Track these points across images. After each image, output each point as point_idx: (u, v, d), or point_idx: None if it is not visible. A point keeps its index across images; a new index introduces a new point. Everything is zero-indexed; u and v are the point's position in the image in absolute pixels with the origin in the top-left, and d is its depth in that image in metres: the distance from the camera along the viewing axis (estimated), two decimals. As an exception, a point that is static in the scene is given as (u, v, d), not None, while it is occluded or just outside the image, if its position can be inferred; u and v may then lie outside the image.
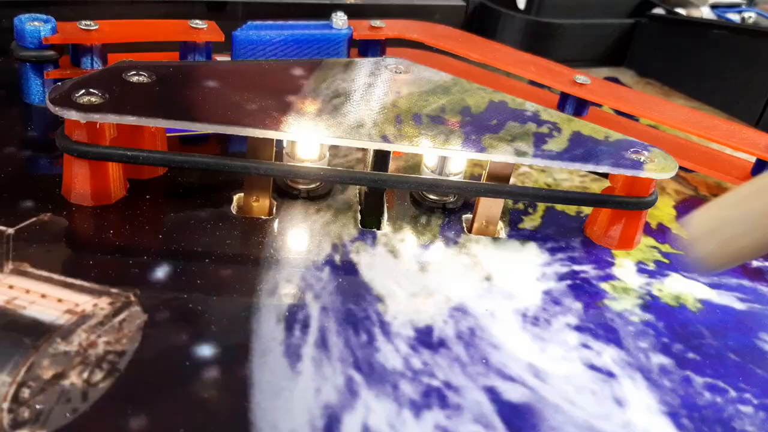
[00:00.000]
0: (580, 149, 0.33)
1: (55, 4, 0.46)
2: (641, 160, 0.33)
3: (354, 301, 0.29)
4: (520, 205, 0.38)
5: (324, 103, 0.33)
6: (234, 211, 0.33)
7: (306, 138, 0.32)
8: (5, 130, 0.37)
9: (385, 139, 0.32)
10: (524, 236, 0.35)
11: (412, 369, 0.26)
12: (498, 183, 0.34)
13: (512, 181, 0.35)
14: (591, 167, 0.33)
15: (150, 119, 0.30)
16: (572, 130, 0.35)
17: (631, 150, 0.34)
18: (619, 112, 0.47)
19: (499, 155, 0.32)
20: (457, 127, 0.33)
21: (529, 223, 0.36)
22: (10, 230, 0.29)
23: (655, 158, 0.34)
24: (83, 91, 0.30)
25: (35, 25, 0.38)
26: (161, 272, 0.29)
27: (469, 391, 0.25)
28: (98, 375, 0.23)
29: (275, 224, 0.33)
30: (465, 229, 0.35)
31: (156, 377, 0.24)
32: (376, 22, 0.47)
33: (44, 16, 0.39)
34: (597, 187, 0.41)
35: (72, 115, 0.29)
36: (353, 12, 0.50)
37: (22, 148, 0.36)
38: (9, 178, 0.33)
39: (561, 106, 0.46)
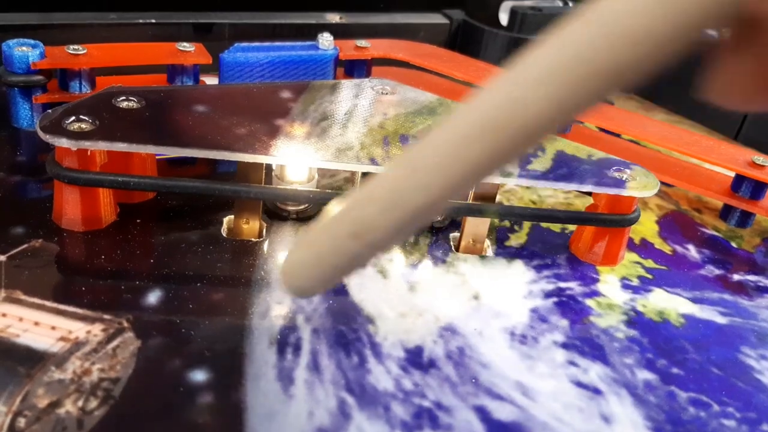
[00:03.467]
0: (564, 168, 0.34)
1: (43, 27, 0.46)
2: (623, 179, 0.34)
3: (345, 323, 0.29)
4: (507, 223, 0.38)
5: (312, 126, 0.34)
6: (224, 234, 0.34)
7: (295, 162, 0.32)
8: (-6, 155, 0.37)
9: (373, 161, 0.32)
10: (511, 254, 0.36)
11: (403, 390, 0.26)
12: (484, 202, 0.34)
13: (498, 198, 0.35)
14: (575, 186, 0.34)
15: (140, 146, 0.30)
16: (556, 150, 0.36)
17: (614, 168, 0.35)
18: (601, 128, 0.48)
19: (485, 176, 0.33)
20: (444, 148, 0.34)
21: (516, 240, 0.37)
22: (2, 257, 0.29)
23: (637, 176, 0.34)
24: (73, 117, 0.31)
25: (23, 51, 0.38)
26: (153, 297, 0.29)
27: (459, 411, 0.26)
28: (93, 403, 0.24)
29: (265, 246, 0.33)
30: (452, 247, 0.36)
31: (151, 403, 0.24)
32: (362, 42, 0.48)
33: (32, 41, 0.39)
34: (581, 203, 0.42)
35: (63, 142, 0.29)
36: (339, 32, 0.51)
37: (12, 174, 0.36)
38: (-1, 204, 0.33)
39: (544, 123, 0.47)
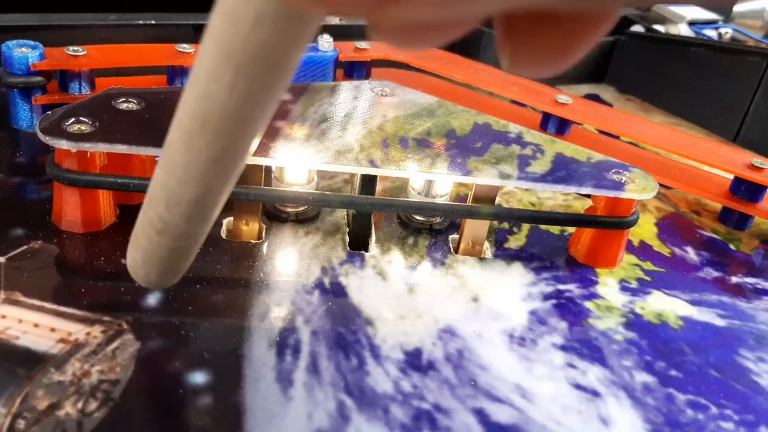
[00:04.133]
0: (563, 171, 0.34)
1: (42, 28, 0.46)
2: (622, 181, 0.34)
3: (344, 325, 0.29)
4: (506, 225, 0.38)
5: (312, 128, 0.34)
6: (224, 235, 0.34)
7: (295, 164, 0.32)
8: (-6, 156, 0.37)
9: (372, 163, 0.32)
10: (510, 256, 0.36)
11: (402, 392, 0.26)
12: (483, 204, 0.34)
13: (497, 200, 0.35)
14: (574, 189, 0.34)
15: (140, 147, 0.30)
16: (555, 152, 0.36)
17: (613, 171, 0.35)
18: (600, 130, 0.48)
19: (484, 178, 0.33)
20: (443, 150, 0.34)
21: (515, 242, 0.37)
22: (2, 259, 0.30)
23: (635, 179, 0.35)
24: (73, 119, 0.31)
25: (23, 52, 0.38)
26: (153, 299, 0.29)
27: (458, 413, 0.26)
28: (93, 404, 0.24)
29: (265, 248, 0.33)
30: (452, 249, 0.36)
31: (150, 405, 0.24)
32: (362, 44, 0.48)
33: (32, 43, 0.39)
34: (580, 205, 0.42)
35: (62, 144, 0.30)
36: (338, 33, 0.51)
37: (11, 175, 0.36)
38: (-1, 205, 0.33)
39: (543, 125, 0.47)
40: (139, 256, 0.21)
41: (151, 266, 0.21)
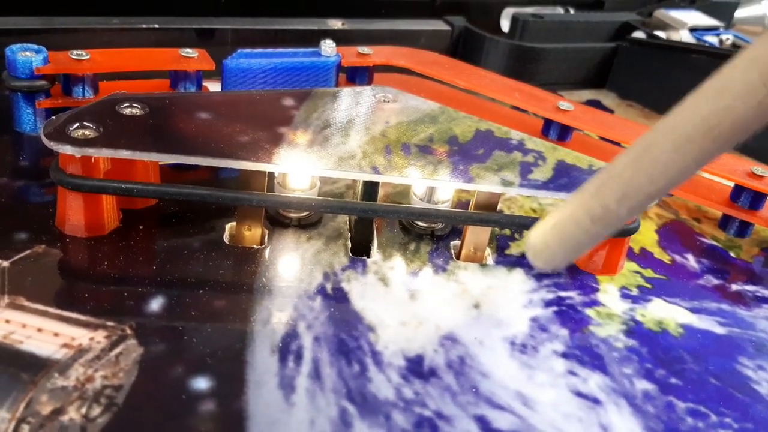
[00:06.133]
0: (565, 178, 0.34)
1: (46, 32, 0.46)
2: (624, 189, 0.34)
3: (346, 331, 0.29)
4: (507, 231, 0.38)
5: (315, 134, 0.34)
6: (226, 241, 0.34)
7: (298, 170, 0.33)
8: (-3, 160, 0.38)
9: (375, 169, 0.33)
10: (511, 262, 0.36)
11: (404, 399, 0.27)
12: (485, 211, 0.35)
13: (499, 206, 0.36)
14: (575, 196, 0.34)
15: (144, 153, 0.31)
16: (557, 159, 0.36)
17: (614, 178, 0.35)
18: (602, 138, 0.48)
19: (486, 185, 0.33)
20: (445, 157, 0.34)
21: (516, 248, 0.37)
22: (5, 263, 0.30)
23: (637, 186, 0.35)
24: (77, 124, 0.31)
25: (27, 56, 0.38)
26: (156, 304, 0.29)
27: (459, 420, 0.26)
28: (96, 410, 0.24)
29: (267, 253, 0.33)
30: (453, 255, 0.36)
31: (153, 411, 0.24)
32: (364, 49, 0.48)
33: (36, 47, 0.39)
34: (581, 211, 0.42)
35: (67, 149, 0.30)
36: (341, 38, 0.51)
37: (15, 178, 0.36)
38: (2, 209, 0.33)
39: (545, 132, 0.47)
40: (555, 239, 0.23)
41: (564, 249, 0.23)
